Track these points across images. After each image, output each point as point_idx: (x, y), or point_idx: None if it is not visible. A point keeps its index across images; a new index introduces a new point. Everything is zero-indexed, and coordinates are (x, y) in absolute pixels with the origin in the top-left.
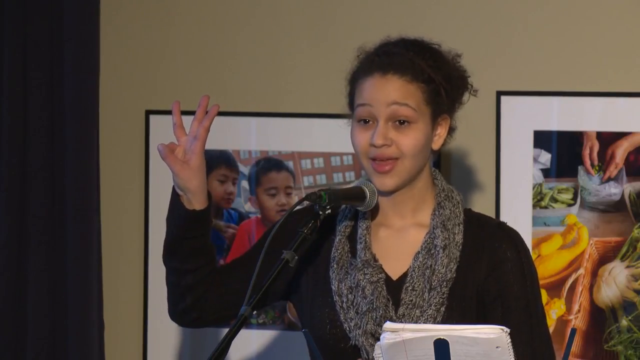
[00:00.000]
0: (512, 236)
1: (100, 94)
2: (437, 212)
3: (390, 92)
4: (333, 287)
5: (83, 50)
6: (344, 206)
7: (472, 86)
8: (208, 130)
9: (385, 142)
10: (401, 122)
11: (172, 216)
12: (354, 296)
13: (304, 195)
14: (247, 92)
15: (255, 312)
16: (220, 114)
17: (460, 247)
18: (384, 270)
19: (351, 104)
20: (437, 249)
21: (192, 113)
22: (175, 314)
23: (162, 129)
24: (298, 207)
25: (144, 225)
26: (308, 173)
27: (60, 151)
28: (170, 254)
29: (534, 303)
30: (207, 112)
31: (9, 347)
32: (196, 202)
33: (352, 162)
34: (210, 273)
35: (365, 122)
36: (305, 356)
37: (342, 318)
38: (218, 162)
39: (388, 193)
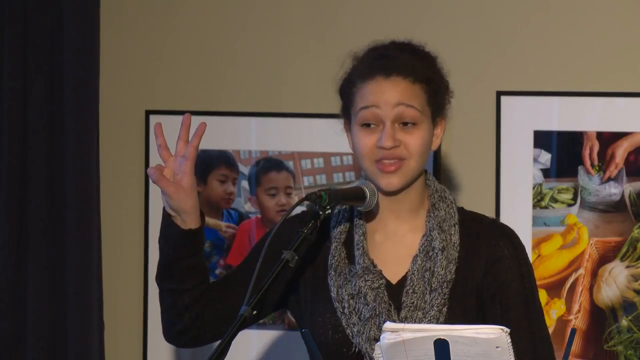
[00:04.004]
0: (508, 233)
1: (100, 94)
2: (432, 214)
3: (395, 93)
4: (332, 294)
5: (83, 50)
6: (337, 211)
7: (448, 83)
8: (197, 149)
9: (394, 144)
10: (406, 124)
11: (165, 237)
12: (356, 302)
13: (304, 195)
14: (247, 92)
15: (255, 313)
16: (220, 114)
17: (458, 247)
18: (383, 276)
19: (346, 109)
20: (436, 251)
21: (192, 113)
22: (172, 335)
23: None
24: (291, 215)
25: (144, 225)
26: (308, 173)
27: (60, 151)
28: (165, 275)
29: (532, 299)
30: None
31: (9, 347)
32: (191, 221)
33: (352, 162)
34: (206, 291)
35: (369, 125)
36: (306, 356)
37: (344, 323)
38: (218, 162)
39: (392, 193)
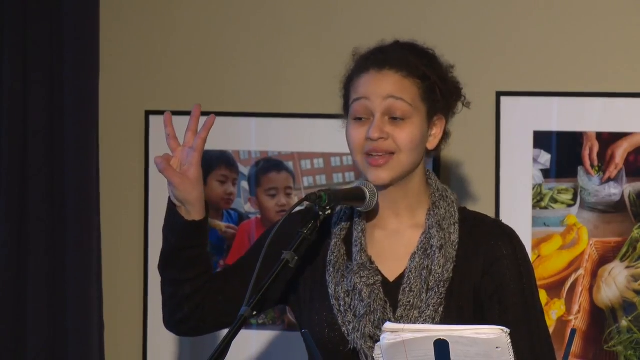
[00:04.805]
0: (508, 233)
1: (100, 94)
2: (432, 212)
3: (386, 86)
4: (330, 291)
5: (83, 50)
6: (338, 208)
7: (465, 97)
8: (205, 141)
9: (381, 136)
10: (396, 118)
11: (169, 227)
12: (352, 299)
13: (303, 196)
14: (247, 92)
15: (255, 313)
16: (220, 114)
17: (457, 246)
18: (380, 273)
19: (346, 105)
20: (434, 249)
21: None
22: (172, 324)
23: (162, 129)
24: (294, 211)
25: (143, 225)
26: (308, 174)
27: (60, 151)
28: (168, 264)
29: (531, 299)
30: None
31: (9, 347)
32: (195, 212)
33: (352, 162)
34: (207, 281)
35: (361, 118)
36: (305, 356)
37: (340, 321)
38: (218, 162)
39: (382, 187)
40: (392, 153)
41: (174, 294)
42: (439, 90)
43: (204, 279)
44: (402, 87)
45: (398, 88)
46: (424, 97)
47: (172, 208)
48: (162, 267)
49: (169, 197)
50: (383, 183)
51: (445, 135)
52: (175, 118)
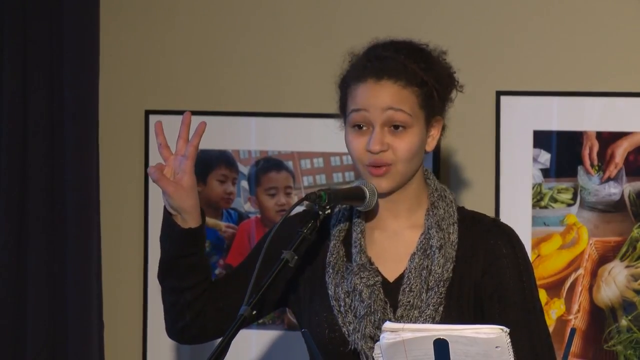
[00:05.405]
0: (507, 232)
1: (100, 94)
2: (431, 213)
3: (385, 97)
4: (330, 292)
5: (83, 50)
6: (337, 209)
7: (458, 82)
8: (197, 148)
9: (382, 148)
10: (396, 127)
11: (166, 236)
12: (352, 300)
13: (303, 195)
14: (247, 92)
15: (254, 312)
16: (220, 114)
17: (456, 246)
18: (380, 273)
19: (343, 108)
20: (433, 249)
21: (192, 113)
22: (174, 332)
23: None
24: (292, 214)
25: (143, 225)
26: (308, 173)
27: (60, 151)
28: (167, 273)
29: (530, 298)
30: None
31: (9, 347)
32: (191, 220)
33: (352, 162)
34: (208, 288)
35: (360, 127)
36: (305, 356)
37: (340, 322)
38: (218, 161)
39: (383, 194)
40: (390, 164)
41: (174, 302)
42: (436, 93)
43: (203, 286)
44: (400, 97)
45: (397, 99)
46: (422, 104)
47: (167, 217)
48: (162, 277)
49: (164, 207)
50: (383, 191)
51: (442, 129)
52: (175, 118)
